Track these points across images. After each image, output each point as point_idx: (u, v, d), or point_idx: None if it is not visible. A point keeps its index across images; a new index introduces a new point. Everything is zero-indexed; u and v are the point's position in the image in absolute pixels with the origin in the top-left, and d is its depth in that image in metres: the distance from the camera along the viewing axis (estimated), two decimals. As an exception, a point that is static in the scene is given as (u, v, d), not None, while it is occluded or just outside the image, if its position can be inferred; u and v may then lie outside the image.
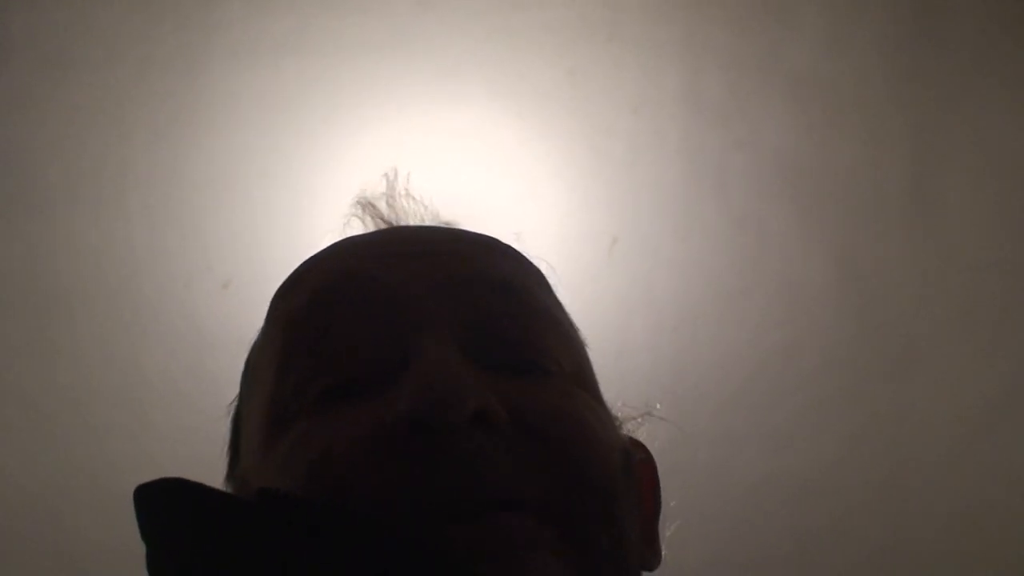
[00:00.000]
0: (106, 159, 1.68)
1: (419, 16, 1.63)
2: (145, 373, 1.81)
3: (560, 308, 0.57)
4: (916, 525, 2.01)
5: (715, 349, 1.87)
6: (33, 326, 1.77)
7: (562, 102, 1.70)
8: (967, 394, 1.93)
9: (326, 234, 0.59)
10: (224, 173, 1.70)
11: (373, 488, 0.42)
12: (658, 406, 0.62)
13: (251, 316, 0.58)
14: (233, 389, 0.58)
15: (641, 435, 0.60)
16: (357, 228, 0.60)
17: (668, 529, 0.59)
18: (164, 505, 0.43)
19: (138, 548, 0.44)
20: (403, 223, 0.61)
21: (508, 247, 0.57)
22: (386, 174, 0.62)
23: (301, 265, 0.56)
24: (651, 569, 0.54)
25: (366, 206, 0.61)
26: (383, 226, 0.61)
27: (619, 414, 0.58)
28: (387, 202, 0.61)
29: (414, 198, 0.61)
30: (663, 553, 0.56)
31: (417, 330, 0.47)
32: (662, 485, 0.60)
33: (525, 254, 0.59)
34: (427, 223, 0.61)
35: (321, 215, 1.66)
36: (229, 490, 0.55)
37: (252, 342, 0.57)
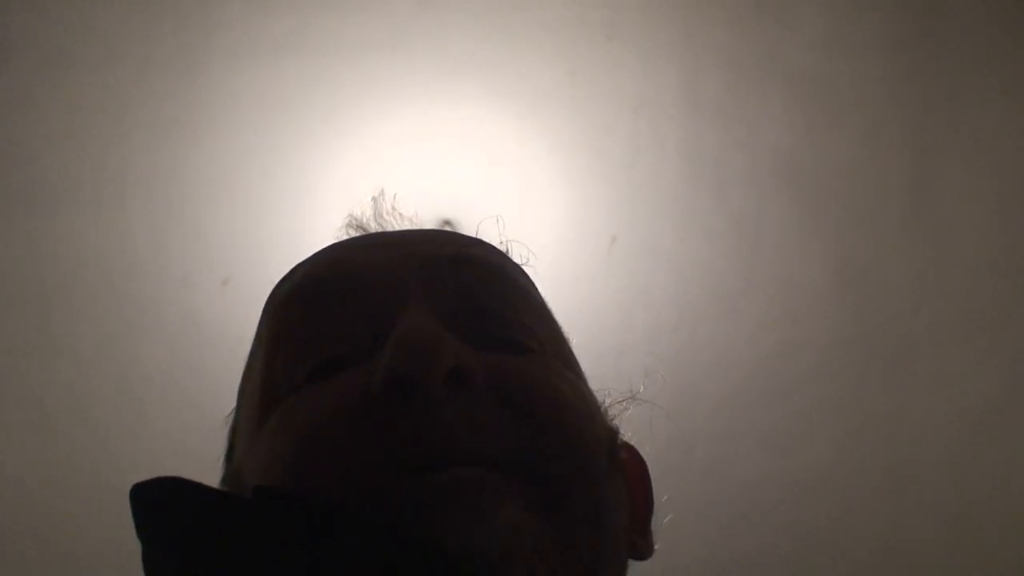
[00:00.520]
0: (106, 158, 1.68)
1: (418, 16, 1.64)
2: (145, 370, 1.81)
3: (540, 296, 0.57)
4: (913, 524, 2.01)
5: (713, 349, 1.88)
6: (33, 324, 1.77)
7: (562, 102, 1.70)
8: (965, 394, 1.93)
9: (325, 233, 0.60)
10: (224, 172, 1.70)
11: (353, 458, 0.43)
12: (642, 388, 0.62)
13: (250, 313, 0.58)
14: (233, 386, 0.58)
15: (636, 432, 0.60)
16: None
17: (662, 521, 0.59)
18: (160, 504, 0.43)
19: (138, 545, 0.44)
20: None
21: (485, 241, 0.58)
22: (374, 197, 0.63)
23: (290, 270, 0.57)
24: (642, 559, 0.54)
25: (355, 228, 0.62)
26: None
27: (605, 400, 0.58)
28: (376, 222, 0.62)
29: (401, 215, 0.63)
30: (656, 546, 0.56)
31: (398, 307, 0.48)
32: (659, 484, 0.59)
33: (506, 244, 0.60)
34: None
35: (320, 213, 1.66)
36: (224, 487, 0.55)
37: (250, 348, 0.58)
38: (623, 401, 0.60)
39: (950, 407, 1.94)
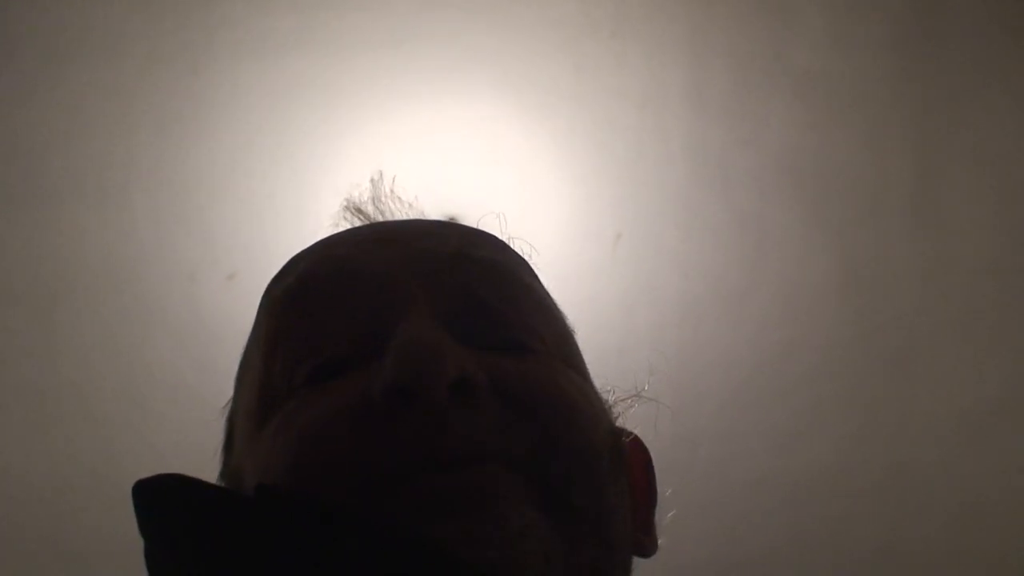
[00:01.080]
0: (111, 154, 1.68)
1: (422, 13, 1.63)
2: (150, 365, 1.81)
3: (544, 290, 0.57)
4: (914, 524, 2.01)
5: (717, 347, 1.87)
6: (37, 319, 1.77)
7: (566, 99, 1.70)
8: (966, 394, 1.93)
9: (329, 228, 0.60)
10: (228, 168, 1.70)
11: (356, 462, 0.43)
12: (647, 386, 0.62)
13: (256, 308, 0.58)
14: (238, 381, 0.58)
15: (639, 430, 0.59)
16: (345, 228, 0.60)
17: (665, 518, 0.59)
18: (163, 501, 0.43)
19: (141, 541, 0.44)
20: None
21: (490, 234, 0.57)
22: (372, 178, 0.62)
23: (288, 260, 0.57)
24: (646, 556, 0.53)
25: (354, 211, 0.61)
26: None
27: (610, 398, 0.57)
28: (374, 204, 0.62)
29: (400, 199, 0.62)
30: (659, 542, 0.56)
31: (400, 309, 0.47)
32: (662, 482, 0.59)
33: (508, 239, 0.59)
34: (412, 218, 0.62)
35: (324, 209, 1.65)
36: (223, 482, 0.55)
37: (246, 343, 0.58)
38: (627, 399, 0.60)
39: (952, 407, 1.94)
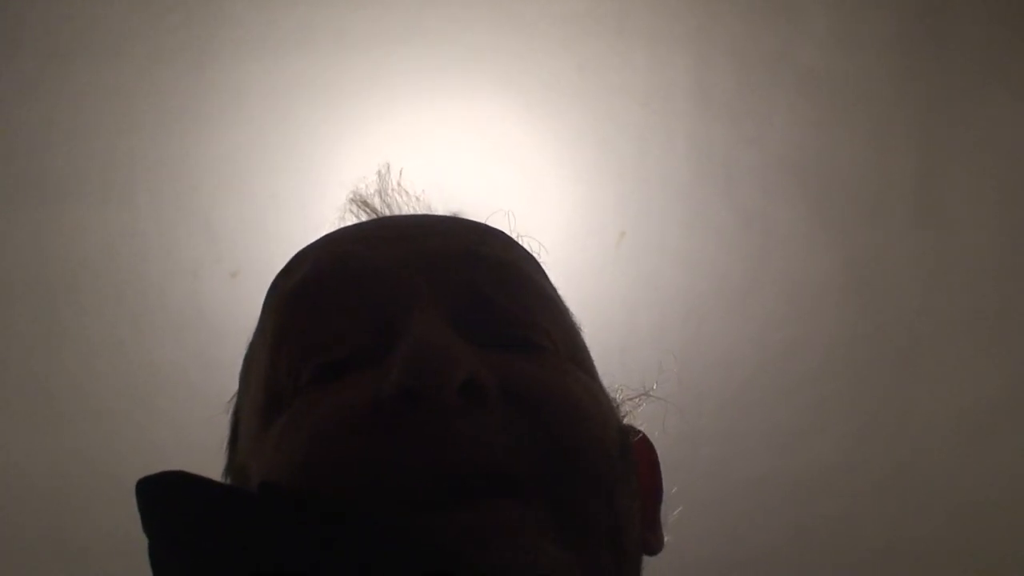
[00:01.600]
0: (115, 150, 1.68)
1: (426, 9, 1.63)
2: (153, 361, 1.81)
3: (551, 287, 0.56)
4: (918, 523, 2.01)
5: (720, 345, 1.87)
6: (42, 315, 1.77)
7: (570, 96, 1.70)
8: (970, 393, 1.92)
9: (333, 225, 0.60)
10: (233, 164, 1.70)
11: (365, 464, 0.42)
12: (655, 386, 0.62)
13: (259, 306, 0.58)
14: (241, 378, 0.58)
15: (643, 426, 0.59)
16: (352, 223, 0.60)
17: (670, 515, 0.58)
18: (166, 498, 0.43)
19: (144, 537, 0.44)
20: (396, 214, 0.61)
21: (498, 230, 0.57)
22: (379, 170, 0.62)
23: (294, 255, 0.56)
24: (653, 554, 0.53)
25: (360, 203, 0.61)
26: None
27: (617, 396, 0.57)
28: (380, 197, 0.61)
29: (407, 191, 0.61)
30: (665, 539, 0.56)
31: (407, 307, 0.47)
32: (665, 479, 0.59)
33: (517, 236, 0.58)
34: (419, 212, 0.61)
35: (328, 206, 1.65)
36: (227, 479, 0.55)
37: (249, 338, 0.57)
38: (635, 398, 0.60)
39: (955, 405, 1.94)
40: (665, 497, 0.58)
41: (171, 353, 1.80)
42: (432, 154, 1.68)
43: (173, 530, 0.43)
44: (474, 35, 1.65)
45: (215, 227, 1.73)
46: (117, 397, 1.82)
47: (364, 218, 0.60)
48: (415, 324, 0.46)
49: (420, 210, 0.61)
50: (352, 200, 0.61)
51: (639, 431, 0.57)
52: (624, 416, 0.57)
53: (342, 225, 0.58)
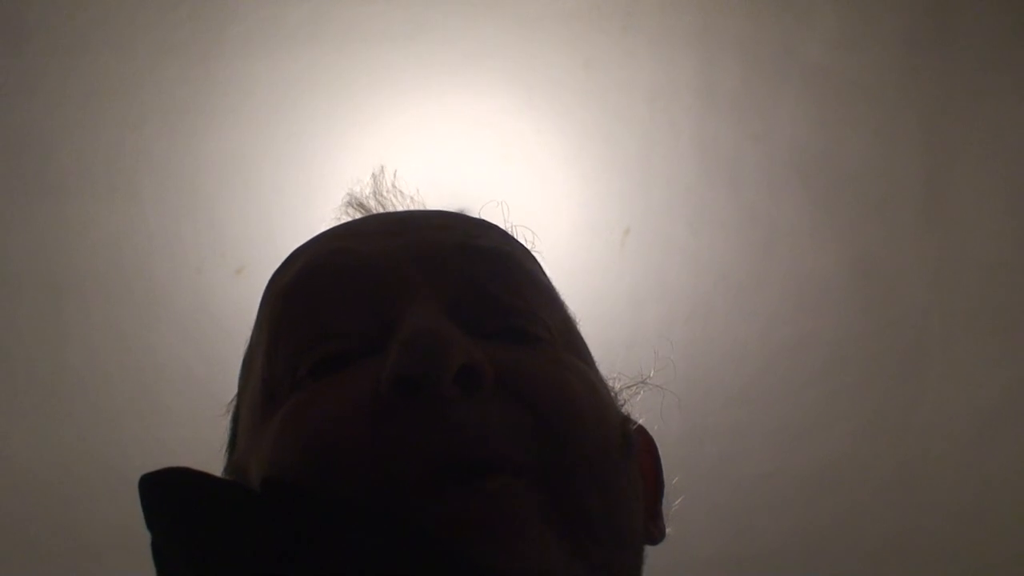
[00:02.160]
0: (120, 145, 1.68)
1: (432, 6, 1.63)
2: (157, 358, 1.81)
3: (547, 279, 0.56)
4: (925, 520, 2.00)
5: (725, 342, 1.87)
6: (46, 310, 1.77)
7: (576, 93, 1.70)
8: (977, 390, 1.92)
9: (330, 223, 0.59)
10: (238, 160, 1.71)
11: (363, 454, 0.42)
12: (652, 373, 0.62)
13: (263, 302, 0.58)
14: (245, 375, 0.57)
15: (647, 421, 0.59)
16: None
17: (672, 507, 0.58)
18: (169, 494, 0.43)
19: (147, 532, 0.44)
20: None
21: (493, 224, 0.57)
22: (373, 172, 0.62)
23: (290, 253, 0.56)
24: (654, 543, 0.53)
25: (355, 205, 0.61)
26: None
27: (616, 385, 0.57)
28: (375, 199, 0.61)
29: (401, 192, 0.61)
30: (667, 529, 0.56)
31: (402, 299, 0.47)
32: (670, 478, 0.59)
33: (511, 228, 0.58)
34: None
35: (333, 203, 1.65)
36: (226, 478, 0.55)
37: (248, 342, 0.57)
38: (633, 386, 0.60)
39: (962, 402, 1.93)
40: (667, 488, 0.58)
41: (175, 349, 1.80)
42: (437, 151, 1.68)
43: (176, 526, 0.43)
44: (480, 32, 1.65)
45: (220, 223, 1.73)
46: (121, 393, 1.82)
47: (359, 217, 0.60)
48: (411, 314, 0.46)
49: (414, 208, 0.61)
50: (347, 203, 0.61)
51: (636, 422, 0.57)
52: (623, 405, 0.57)
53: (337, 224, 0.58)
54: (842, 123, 1.75)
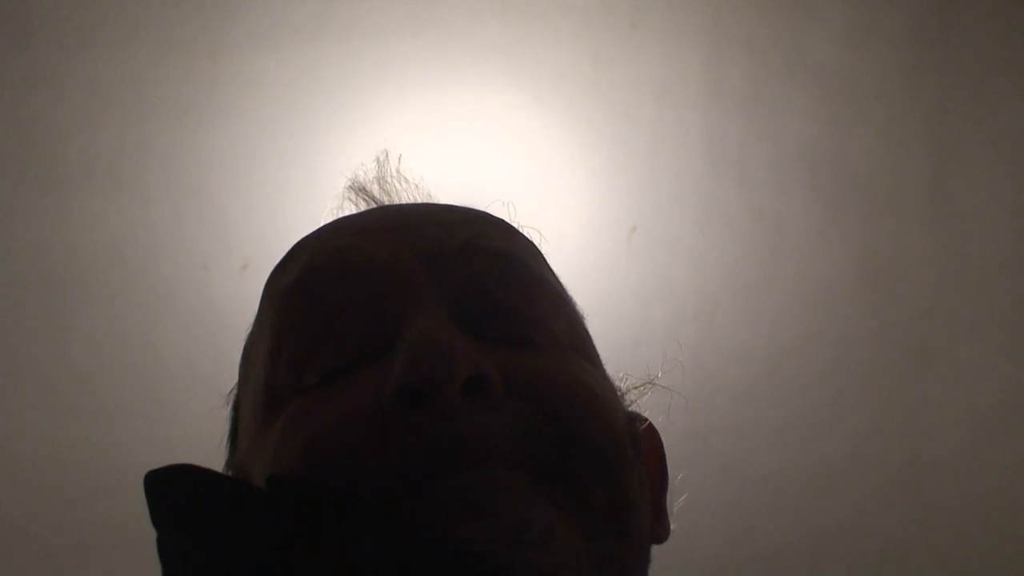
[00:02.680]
0: (126, 140, 1.68)
1: (438, 1, 1.63)
2: (162, 354, 1.81)
3: (554, 277, 0.56)
4: (929, 520, 2.00)
5: (732, 341, 1.87)
6: (51, 305, 1.78)
7: (584, 89, 1.69)
8: (983, 390, 1.92)
9: (332, 211, 0.59)
10: (244, 155, 1.70)
11: (371, 464, 0.42)
12: (659, 374, 0.61)
13: (268, 300, 0.57)
14: (250, 372, 0.57)
15: (652, 418, 0.59)
16: (350, 211, 0.59)
17: (677, 505, 0.58)
18: (174, 491, 0.43)
19: (152, 529, 0.44)
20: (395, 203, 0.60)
21: (498, 219, 0.56)
22: (377, 157, 0.61)
23: (292, 246, 0.55)
24: (659, 542, 0.53)
25: (358, 190, 0.60)
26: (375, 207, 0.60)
27: (622, 385, 0.57)
28: (379, 185, 0.61)
29: (406, 179, 0.60)
30: (672, 527, 0.55)
31: (408, 303, 0.47)
32: (675, 477, 0.59)
33: (517, 225, 0.57)
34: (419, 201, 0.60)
35: (338, 198, 1.65)
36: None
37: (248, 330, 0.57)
38: (640, 386, 0.60)
39: (968, 402, 1.93)
40: (672, 486, 0.58)
41: (180, 345, 1.80)
42: (444, 147, 1.68)
43: (181, 523, 0.43)
44: (487, 28, 1.65)
45: (225, 219, 1.73)
46: (125, 389, 1.82)
47: (363, 206, 0.59)
48: (416, 320, 0.45)
49: (419, 197, 0.60)
50: (350, 187, 0.61)
51: (646, 419, 0.57)
52: (630, 405, 0.57)
53: (340, 215, 0.58)
54: (849, 121, 1.75)
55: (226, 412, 0.57)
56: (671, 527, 0.55)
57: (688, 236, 1.79)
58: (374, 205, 0.59)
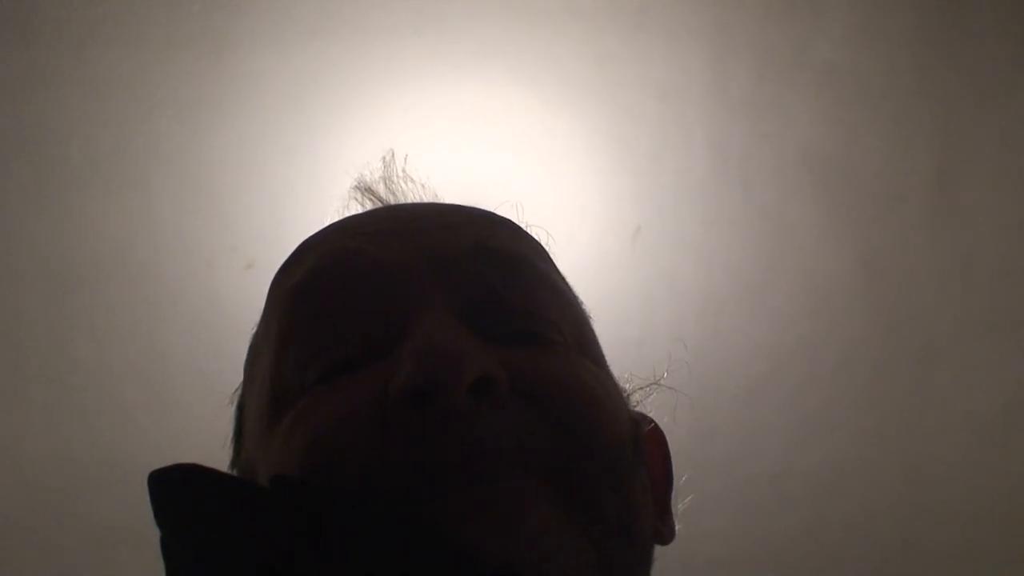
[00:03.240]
0: (131, 138, 1.68)
1: (443, 1, 1.63)
2: (167, 352, 1.82)
3: (561, 278, 0.56)
4: (932, 522, 2.00)
5: (735, 341, 1.87)
6: (56, 304, 1.78)
7: (589, 90, 1.69)
8: (987, 391, 1.92)
9: (338, 214, 0.59)
10: (248, 154, 1.71)
11: (375, 464, 0.42)
12: (665, 374, 0.61)
13: (274, 298, 0.57)
14: (255, 371, 0.57)
15: (657, 418, 0.59)
16: (356, 211, 0.59)
17: (682, 506, 0.58)
18: (178, 491, 0.43)
19: (156, 526, 0.44)
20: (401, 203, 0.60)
21: (505, 219, 0.56)
22: (383, 157, 0.61)
23: (298, 246, 0.55)
24: (665, 543, 0.53)
25: (364, 190, 0.60)
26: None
27: (627, 386, 0.57)
28: (385, 184, 0.60)
29: (412, 179, 0.60)
30: (676, 528, 0.55)
31: (415, 304, 0.47)
32: (679, 475, 0.59)
33: (524, 226, 0.57)
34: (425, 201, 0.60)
35: (344, 198, 1.65)
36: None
37: (254, 329, 0.57)
38: (645, 387, 0.60)
39: (972, 403, 1.93)
40: (677, 487, 0.58)
41: (185, 343, 1.81)
42: (449, 147, 1.68)
43: (185, 523, 0.42)
44: (492, 28, 1.65)
45: (230, 218, 1.73)
46: (130, 387, 1.83)
47: (368, 206, 0.59)
48: (423, 320, 0.45)
49: (426, 197, 0.60)
50: (356, 187, 0.60)
51: (651, 420, 0.57)
52: (635, 406, 0.57)
53: (346, 214, 0.58)
54: (854, 122, 1.75)
55: (231, 412, 0.57)
56: (676, 528, 0.55)
57: (693, 236, 1.79)
58: (380, 205, 0.59)
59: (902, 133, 1.76)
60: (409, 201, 0.60)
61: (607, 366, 0.55)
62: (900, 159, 1.77)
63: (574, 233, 1.73)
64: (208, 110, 1.67)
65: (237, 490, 0.43)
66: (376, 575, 0.39)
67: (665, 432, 0.59)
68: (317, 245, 0.54)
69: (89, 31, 1.61)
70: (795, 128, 1.74)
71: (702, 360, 1.85)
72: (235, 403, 0.57)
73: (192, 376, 1.80)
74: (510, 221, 0.56)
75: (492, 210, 0.57)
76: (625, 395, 0.55)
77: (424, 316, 0.45)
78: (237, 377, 0.58)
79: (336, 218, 0.57)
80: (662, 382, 0.61)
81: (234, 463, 0.55)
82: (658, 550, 0.51)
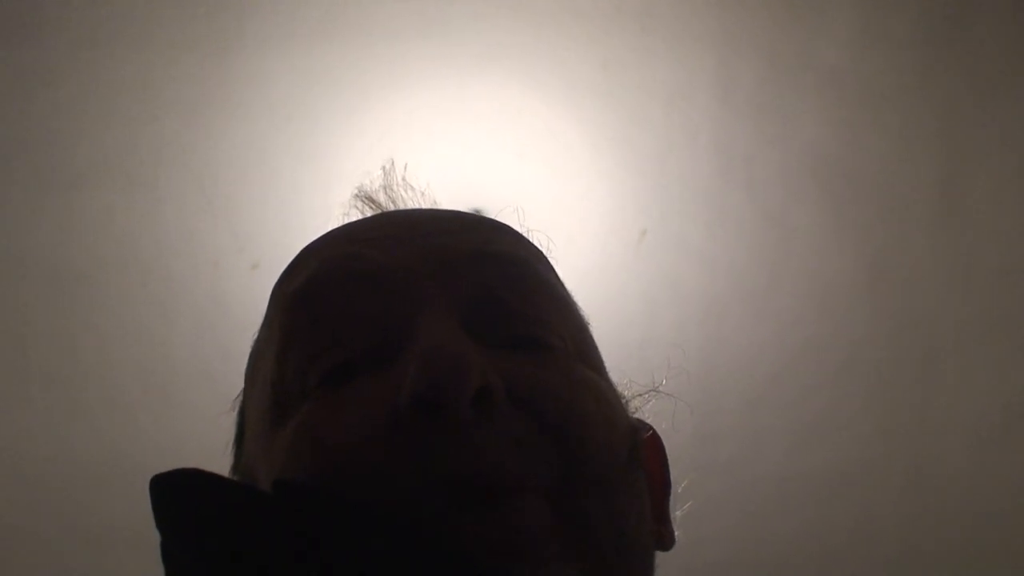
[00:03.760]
0: (138, 139, 1.69)
1: (451, 3, 1.63)
2: (173, 352, 1.82)
3: (560, 284, 0.56)
4: (936, 523, 2.00)
5: (740, 344, 1.87)
6: (61, 303, 1.78)
7: (594, 93, 1.69)
8: (991, 394, 1.91)
9: (339, 218, 0.59)
10: (255, 155, 1.71)
11: (379, 472, 0.42)
12: (664, 381, 0.61)
13: (279, 299, 0.57)
14: (260, 371, 0.57)
15: (658, 423, 0.59)
16: (357, 218, 0.59)
17: (682, 511, 0.58)
18: (179, 496, 0.43)
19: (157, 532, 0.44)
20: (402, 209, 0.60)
21: (506, 225, 0.56)
22: (383, 166, 0.61)
23: (299, 252, 0.55)
24: (665, 549, 0.53)
25: (364, 199, 0.60)
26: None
27: (626, 392, 0.57)
28: (385, 193, 0.61)
29: (411, 186, 0.61)
30: (676, 534, 0.55)
31: (417, 309, 0.47)
32: (682, 478, 0.59)
33: (525, 231, 0.57)
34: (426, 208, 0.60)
35: (350, 199, 1.65)
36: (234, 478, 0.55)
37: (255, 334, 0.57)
38: (645, 394, 0.60)
39: (975, 406, 1.93)
40: (678, 492, 0.58)
41: (191, 343, 1.81)
42: (454, 150, 1.68)
43: (186, 528, 0.42)
44: (498, 31, 1.65)
45: (237, 218, 1.74)
46: (135, 387, 1.83)
47: (369, 213, 0.59)
48: (426, 327, 0.45)
49: (425, 205, 0.60)
50: (356, 196, 0.61)
51: (650, 427, 0.57)
52: (634, 412, 0.57)
53: (346, 221, 0.58)
54: (859, 125, 1.75)
55: (234, 414, 0.57)
56: (676, 534, 0.56)
57: (697, 239, 1.79)
58: (380, 212, 0.60)
59: (907, 136, 1.76)
60: (409, 208, 0.60)
61: (606, 373, 0.54)
62: (904, 162, 1.77)
63: (580, 236, 1.73)
64: (214, 111, 1.68)
65: (239, 495, 0.43)
66: None
67: (668, 436, 0.59)
68: (318, 251, 0.54)
69: (96, 32, 1.61)
70: (800, 131, 1.74)
71: (706, 363, 1.85)
72: (236, 408, 0.57)
73: (197, 377, 1.80)
74: (510, 227, 0.56)
75: (495, 214, 0.57)
76: (624, 401, 0.55)
77: (428, 322, 0.45)
78: (242, 377, 0.58)
79: (337, 225, 0.57)
80: (662, 388, 0.61)
81: (235, 468, 0.55)
82: (660, 555, 0.51)
